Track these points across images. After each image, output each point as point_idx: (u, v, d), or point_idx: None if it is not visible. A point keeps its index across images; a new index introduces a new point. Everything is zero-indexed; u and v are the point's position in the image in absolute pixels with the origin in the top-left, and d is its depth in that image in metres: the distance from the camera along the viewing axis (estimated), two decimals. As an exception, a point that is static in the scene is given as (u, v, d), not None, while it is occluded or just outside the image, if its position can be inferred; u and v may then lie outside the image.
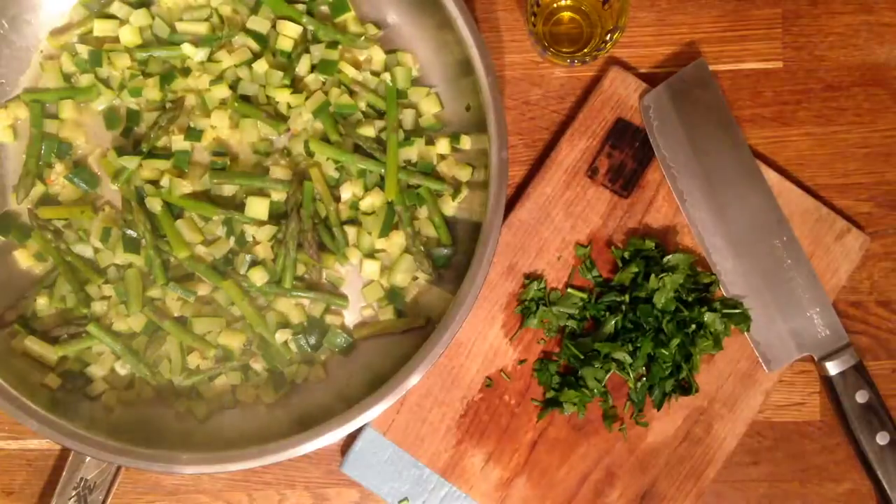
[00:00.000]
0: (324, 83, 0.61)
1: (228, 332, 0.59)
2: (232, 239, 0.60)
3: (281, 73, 0.59)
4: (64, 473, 0.56)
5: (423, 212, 0.60)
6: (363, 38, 0.61)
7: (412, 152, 0.60)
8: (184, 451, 0.55)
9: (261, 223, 0.59)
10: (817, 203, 0.62)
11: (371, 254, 0.60)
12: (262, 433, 0.56)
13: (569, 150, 0.62)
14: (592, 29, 0.62)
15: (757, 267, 0.61)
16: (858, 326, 0.63)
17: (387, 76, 0.60)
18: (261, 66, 0.59)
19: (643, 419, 0.61)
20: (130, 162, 0.59)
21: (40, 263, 0.60)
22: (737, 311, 0.60)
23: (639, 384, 0.60)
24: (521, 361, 0.61)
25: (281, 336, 0.60)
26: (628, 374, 0.60)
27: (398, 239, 0.60)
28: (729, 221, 0.61)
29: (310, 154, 0.60)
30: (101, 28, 0.60)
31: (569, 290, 0.61)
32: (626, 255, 0.61)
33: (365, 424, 0.55)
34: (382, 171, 0.59)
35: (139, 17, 0.60)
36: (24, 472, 0.63)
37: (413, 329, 0.59)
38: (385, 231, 0.59)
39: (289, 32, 0.60)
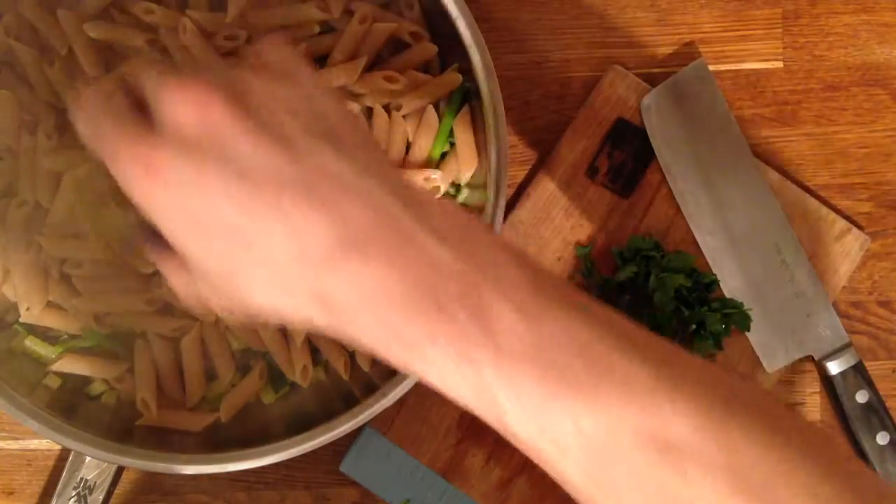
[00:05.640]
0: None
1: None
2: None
3: None
4: (64, 473, 0.56)
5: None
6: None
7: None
8: (184, 452, 0.55)
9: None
10: (817, 203, 0.62)
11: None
12: (263, 433, 0.56)
13: (569, 150, 0.62)
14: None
15: (757, 267, 0.61)
16: (858, 326, 0.63)
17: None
18: None
19: (643, 419, 0.61)
20: None
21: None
22: (737, 311, 0.60)
23: (639, 384, 0.60)
24: (521, 361, 0.61)
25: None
26: (628, 374, 0.60)
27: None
28: (729, 221, 0.61)
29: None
30: None
31: (569, 290, 0.61)
32: (626, 254, 0.61)
33: (365, 424, 0.55)
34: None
35: None
36: (24, 472, 0.63)
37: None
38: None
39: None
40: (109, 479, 0.56)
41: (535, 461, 0.33)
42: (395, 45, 0.59)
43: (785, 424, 0.32)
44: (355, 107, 0.57)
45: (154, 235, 0.35)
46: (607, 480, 0.31)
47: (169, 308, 0.58)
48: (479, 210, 0.56)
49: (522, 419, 0.32)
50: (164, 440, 0.56)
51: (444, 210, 0.33)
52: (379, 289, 0.31)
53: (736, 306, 0.61)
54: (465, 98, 0.58)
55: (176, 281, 0.37)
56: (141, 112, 0.33)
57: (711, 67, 0.63)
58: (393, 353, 0.33)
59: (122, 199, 0.37)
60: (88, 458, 0.55)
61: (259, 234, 0.31)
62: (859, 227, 0.63)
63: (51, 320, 0.57)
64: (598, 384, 0.31)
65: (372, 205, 0.32)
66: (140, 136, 0.32)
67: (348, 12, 0.57)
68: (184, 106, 0.32)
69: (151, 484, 0.63)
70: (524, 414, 0.31)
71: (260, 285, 0.33)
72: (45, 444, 0.63)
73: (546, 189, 0.62)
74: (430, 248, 0.32)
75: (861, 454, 0.61)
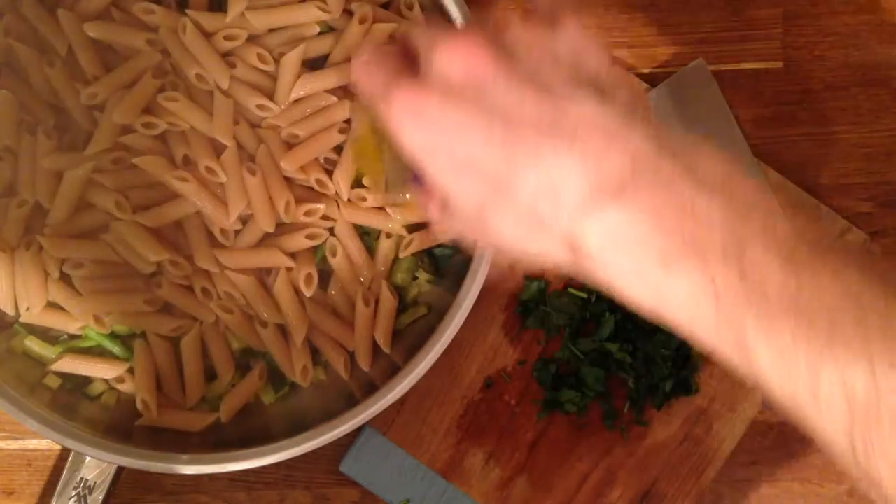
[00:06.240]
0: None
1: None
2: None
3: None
4: (64, 473, 0.56)
5: (423, 212, 0.60)
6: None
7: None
8: (184, 452, 0.55)
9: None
10: (817, 203, 0.62)
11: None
12: (262, 433, 0.56)
13: (569, 150, 0.62)
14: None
15: (757, 267, 0.61)
16: (858, 326, 0.63)
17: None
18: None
19: (643, 419, 0.61)
20: None
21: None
22: (737, 311, 0.60)
23: (639, 384, 0.60)
24: (522, 362, 0.61)
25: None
26: (628, 374, 0.60)
27: (398, 239, 0.60)
28: (729, 221, 0.61)
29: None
30: None
31: (569, 290, 0.61)
32: (626, 255, 0.61)
33: (365, 424, 0.55)
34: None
35: None
36: (24, 472, 0.63)
37: (415, 322, 0.59)
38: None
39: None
40: (109, 479, 0.56)
41: (787, 415, 0.31)
42: (395, 45, 0.59)
43: None
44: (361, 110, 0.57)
45: (416, 176, 0.37)
46: (873, 445, 0.29)
47: (169, 308, 0.58)
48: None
49: (783, 374, 0.30)
50: (164, 440, 0.56)
51: (707, 157, 0.32)
52: (636, 237, 0.31)
53: (736, 306, 0.61)
54: (465, 98, 0.58)
55: (435, 217, 0.38)
56: (411, 67, 0.35)
57: (711, 67, 0.63)
58: (645, 299, 0.33)
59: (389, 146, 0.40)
60: (88, 458, 0.55)
61: (516, 176, 0.32)
62: (859, 228, 0.63)
63: (51, 320, 0.57)
64: (870, 340, 0.29)
65: (631, 151, 0.31)
66: (411, 84, 0.34)
67: (348, 12, 0.57)
68: (451, 56, 0.33)
69: (151, 484, 0.63)
70: (785, 369, 0.30)
71: (511, 226, 0.34)
72: (45, 444, 0.63)
73: (546, 189, 0.62)
74: (692, 197, 0.31)
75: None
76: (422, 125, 0.33)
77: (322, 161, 0.58)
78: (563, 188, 0.32)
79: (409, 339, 0.58)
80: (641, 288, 0.33)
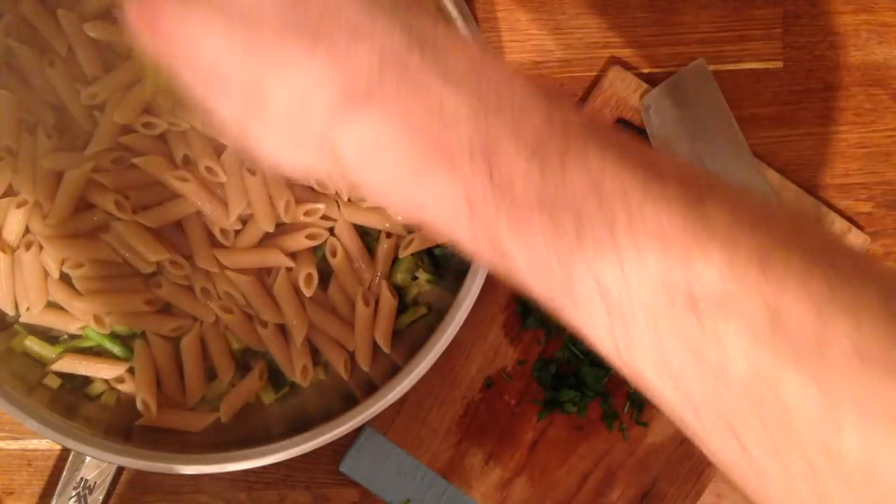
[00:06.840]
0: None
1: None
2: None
3: None
4: (64, 473, 0.56)
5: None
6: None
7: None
8: (184, 452, 0.55)
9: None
10: (817, 203, 0.62)
11: (371, 254, 0.60)
12: (263, 433, 0.56)
13: (569, 150, 0.62)
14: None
15: (757, 267, 0.61)
16: (858, 326, 0.63)
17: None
18: None
19: (643, 419, 0.61)
20: None
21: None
22: (737, 311, 0.60)
23: (639, 384, 0.60)
24: (522, 362, 0.61)
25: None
26: (628, 374, 0.60)
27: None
28: (729, 221, 0.61)
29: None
30: None
31: (569, 290, 0.61)
32: (626, 255, 0.61)
33: (365, 424, 0.55)
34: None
35: None
36: (24, 472, 0.63)
37: (415, 322, 0.59)
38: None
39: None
40: (109, 479, 0.56)
41: (557, 317, 0.30)
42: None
43: (845, 267, 0.26)
44: None
45: None
46: (632, 341, 0.28)
47: (169, 308, 0.58)
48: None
49: (539, 275, 0.29)
50: (164, 440, 0.56)
51: (459, 48, 0.30)
52: (386, 145, 0.29)
53: (736, 306, 0.61)
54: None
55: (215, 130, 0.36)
56: None
57: (711, 67, 0.63)
58: (405, 210, 0.31)
59: None
60: (88, 458, 0.55)
61: (265, 87, 0.30)
62: (859, 227, 0.63)
63: (51, 320, 0.57)
64: (616, 232, 0.27)
65: (379, 48, 0.29)
66: None
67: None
68: None
69: (151, 484, 0.63)
70: (540, 270, 0.28)
71: (272, 139, 0.31)
72: (45, 444, 0.63)
73: (546, 189, 0.62)
74: (439, 95, 0.29)
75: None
76: (160, 37, 0.31)
77: (322, 161, 0.58)
78: (311, 97, 0.29)
79: (409, 339, 0.58)
80: (399, 199, 0.31)
